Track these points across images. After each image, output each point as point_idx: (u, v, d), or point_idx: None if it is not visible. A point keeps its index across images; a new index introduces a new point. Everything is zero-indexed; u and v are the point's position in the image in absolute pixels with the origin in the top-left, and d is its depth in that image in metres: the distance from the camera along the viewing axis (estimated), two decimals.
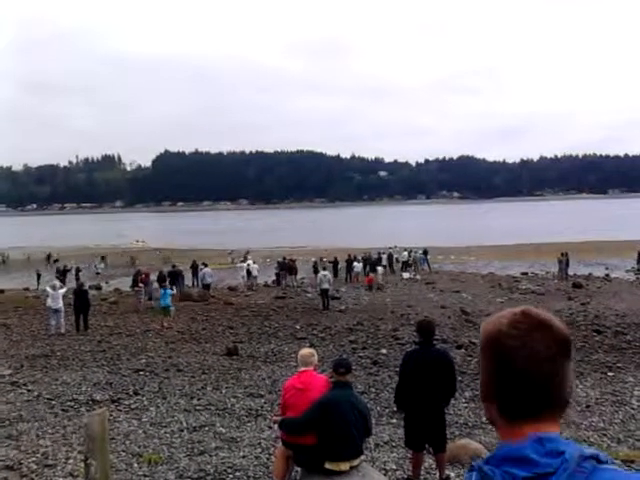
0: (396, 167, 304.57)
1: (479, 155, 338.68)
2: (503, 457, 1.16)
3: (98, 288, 31.31)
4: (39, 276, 34.53)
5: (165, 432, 8.67)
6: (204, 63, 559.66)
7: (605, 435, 8.14)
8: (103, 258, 46.62)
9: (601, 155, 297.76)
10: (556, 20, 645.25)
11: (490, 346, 1.24)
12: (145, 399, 10.56)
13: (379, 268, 30.81)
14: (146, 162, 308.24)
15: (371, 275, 30.10)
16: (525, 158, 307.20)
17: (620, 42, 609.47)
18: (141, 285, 23.32)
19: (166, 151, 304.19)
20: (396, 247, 43.77)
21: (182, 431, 8.74)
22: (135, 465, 7.28)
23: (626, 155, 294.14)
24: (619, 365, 12.79)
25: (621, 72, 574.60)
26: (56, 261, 44.22)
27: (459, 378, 8.92)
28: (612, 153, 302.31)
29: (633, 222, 73.29)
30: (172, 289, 21.40)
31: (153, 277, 27.38)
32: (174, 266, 28.54)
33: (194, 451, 7.86)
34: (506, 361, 1.19)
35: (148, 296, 23.51)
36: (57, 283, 19.91)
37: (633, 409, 9.42)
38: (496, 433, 1.29)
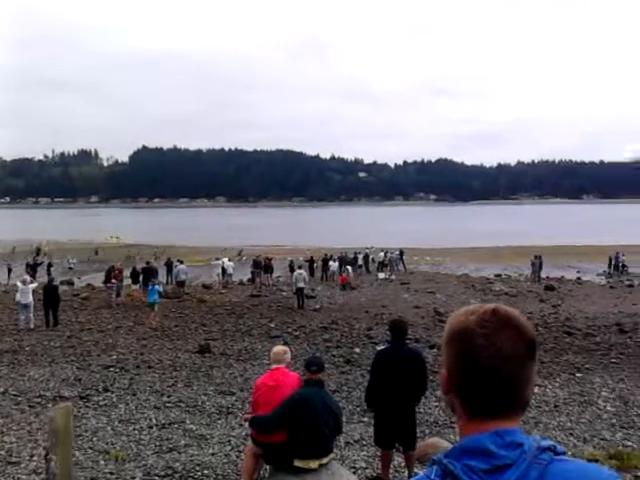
0: (375, 168, 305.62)
1: (457, 159, 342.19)
2: (463, 450, 1.16)
3: (70, 283, 30.83)
4: (10, 270, 33.89)
5: (134, 429, 8.56)
6: (185, 60, 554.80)
7: (572, 434, 8.24)
8: (97, 252, 46.71)
9: (577, 161, 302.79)
10: (535, 29, 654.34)
11: (457, 341, 1.23)
12: (114, 396, 10.43)
13: (348, 267, 30.84)
14: (124, 157, 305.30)
15: (344, 274, 30.12)
16: (502, 163, 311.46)
17: (597, 52, 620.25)
18: (114, 281, 23.00)
19: (144, 147, 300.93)
20: (372, 247, 43.97)
21: (151, 428, 8.65)
22: (101, 462, 7.17)
23: (601, 162, 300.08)
24: (587, 366, 12.99)
25: (598, 81, 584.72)
26: (37, 255, 43.42)
27: (430, 377, 8.94)
28: (587, 160, 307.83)
29: (606, 227, 74.59)
30: (159, 285, 21.15)
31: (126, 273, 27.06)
32: (148, 262, 28.20)
33: (163, 448, 7.78)
34: (472, 358, 1.19)
35: (116, 293, 23.19)
36: (27, 278, 19.55)
37: (599, 409, 9.56)
38: (457, 426, 1.29)
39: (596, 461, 6.90)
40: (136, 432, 8.42)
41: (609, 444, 7.80)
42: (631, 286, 29.74)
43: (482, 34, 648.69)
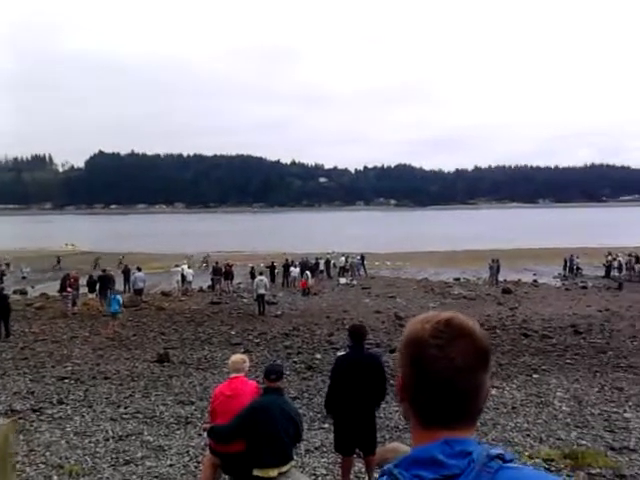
0: (336, 173, 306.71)
1: (416, 164, 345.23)
2: (412, 460, 1.16)
3: (23, 293, 29.91)
4: None
5: (89, 442, 8.35)
6: (144, 65, 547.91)
7: (529, 435, 8.38)
8: (59, 261, 44.37)
9: (532, 166, 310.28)
10: (492, 35, 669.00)
11: (411, 351, 1.23)
12: (69, 408, 10.16)
13: (307, 273, 30.80)
14: (79, 163, 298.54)
15: (303, 279, 30.05)
16: (460, 168, 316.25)
17: (550, 58, 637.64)
18: (69, 290, 22.44)
19: (100, 152, 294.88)
20: (334, 252, 43.97)
21: (107, 440, 8.45)
22: (55, 477, 6.97)
23: (556, 167, 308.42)
24: (544, 367, 13.25)
25: (551, 87, 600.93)
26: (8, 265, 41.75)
27: (391, 382, 9.00)
28: (542, 164, 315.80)
29: (560, 231, 76.53)
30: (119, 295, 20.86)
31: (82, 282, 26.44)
32: (104, 270, 27.58)
33: (119, 461, 7.60)
34: (426, 369, 1.19)
35: (72, 302, 22.62)
36: None
37: (555, 410, 9.75)
38: (411, 435, 1.28)
39: (552, 460, 7.05)
40: (92, 445, 8.21)
41: (564, 443, 7.96)
42: (585, 288, 30.55)
43: (441, 41, 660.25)
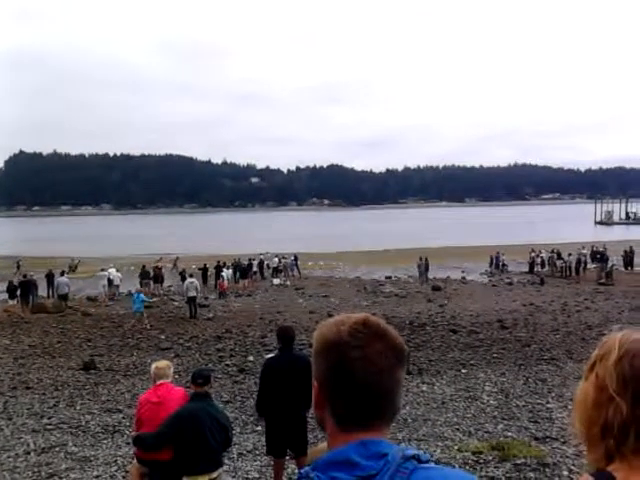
0: (268, 174, 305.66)
1: (347, 164, 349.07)
2: (329, 462, 1.16)
3: None
4: None
5: (8, 456, 7.94)
6: (63, 59, 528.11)
7: (458, 429, 8.57)
8: (19, 266, 39.96)
9: (458, 166, 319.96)
10: (420, 39, 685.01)
11: (329, 353, 1.21)
12: None
13: (223, 274, 30.42)
14: None
15: (220, 281, 29.53)
16: (390, 168, 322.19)
17: (474, 61, 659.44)
18: None
19: (21, 152, 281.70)
20: (267, 253, 43.73)
21: (28, 454, 8.07)
22: None
23: (481, 166, 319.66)
24: (472, 362, 13.61)
25: (476, 89, 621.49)
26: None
27: None
28: (468, 164, 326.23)
29: (487, 229, 79.14)
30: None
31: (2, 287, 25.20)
32: (25, 275, 26.35)
33: (41, 474, 7.28)
34: (346, 371, 1.18)
35: None
36: None
37: (483, 403, 10.03)
38: (326, 439, 1.26)
39: (480, 453, 7.23)
40: (10, 460, 7.81)
41: (492, 436, 8.19)
42: (511, 284, 31.65)
43: (373, 43, 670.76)
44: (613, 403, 1.17)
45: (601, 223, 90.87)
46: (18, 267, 38.51)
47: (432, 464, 1.16)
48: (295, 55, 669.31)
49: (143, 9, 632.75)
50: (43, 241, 73.30)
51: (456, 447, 7.67)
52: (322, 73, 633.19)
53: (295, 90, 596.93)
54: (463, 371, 12.74)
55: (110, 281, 29.03)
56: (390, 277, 35.73)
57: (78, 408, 10.44)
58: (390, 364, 1.19)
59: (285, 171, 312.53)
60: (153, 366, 5.67)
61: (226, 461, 6.47)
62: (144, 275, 30.51)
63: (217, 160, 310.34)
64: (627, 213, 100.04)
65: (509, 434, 8.27)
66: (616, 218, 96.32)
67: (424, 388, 11.06)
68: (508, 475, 6.60)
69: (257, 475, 6.99)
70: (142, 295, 21.24)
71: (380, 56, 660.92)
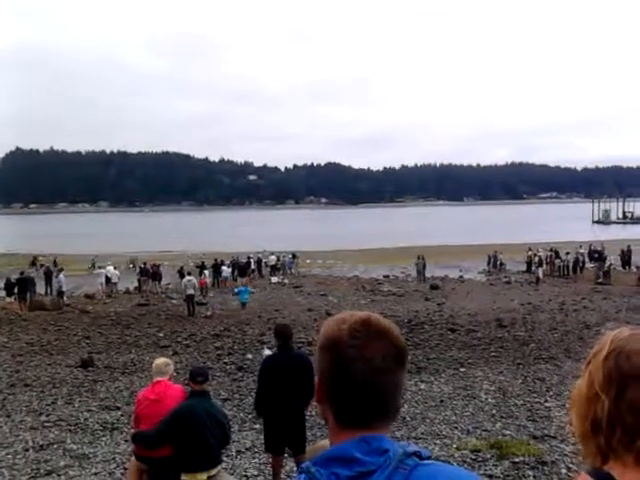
0: (265, 172, 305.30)
1: (345, 162, 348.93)
2: (330, 457, 1.17)
3: None
4: None
5: (7, 454, 7.93)
6: (60, 56, 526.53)
7: (456, 428, 8.58)
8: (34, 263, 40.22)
9: (456, 165, 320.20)
10: (418, 37, 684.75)
11: (328, 351, 1.23)
12: None
13: (205, 272, 30.45)
14: None
15: (202, 278, 29.46)
16: (388, 166, 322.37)
17: (472, 59, 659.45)
18: None
19: (17, 149, 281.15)
20: (265, 251, 43.76)
21: (27, 451, 8.06)
22: None
23: (478, 165, 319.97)
24: (470, 361, 13.62)
25: (474, 87, 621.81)
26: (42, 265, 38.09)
27: None
28: (465, 163, 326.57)
29: (484, 227, 79.20)
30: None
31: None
32: (23, 272, 26.27)
33: (40, 472, 7.27)
34: (343, 370, 1.19)
35: None
36: None
37: (481, 402, 10.04)
38: (328, 435, 1.28)
39: (478, 451, 7.25)
40: (9, 457, 7.80)
41: (490, 434, 8.20)
42: (508, 283, 31.70)
43: (371, 40, 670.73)
44: (599, 400, 1.18)
45: (598, 222, 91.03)
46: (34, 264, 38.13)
47: (433, 461, 1.17)
48: (293, 52, 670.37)
49: (139, 7, 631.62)
50: (40, 238, 73.11)
51: (454, 445, 7.68)
52: (320, 71, 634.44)
53: (293, 87, 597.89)
54: (461, 370, 12.75)
55: (108, 278, 29.01)
56: (388, 276, 35.76)
57: (76, 405, 10.43)
58: (389, 364, 1.20)
59: (282, 169, 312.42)
60: (154, 363, 5.69)
61: (224, 458, 6.48)
62: (143, 272, 30.54)
63: (214, 158, 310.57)
64: (624, 212, 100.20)
65: (507, 432, 8.29)
66: (613, 217, 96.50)
67: (422, 386, 11.07)
68: (506, 473, 6.62)
69: (255, 472, 7.00)
70: (249, 288, 23.40)
71: (378, 53, 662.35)
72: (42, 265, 38.06)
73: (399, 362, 1.22)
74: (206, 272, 30.10)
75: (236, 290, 24.47)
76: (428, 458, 1.16)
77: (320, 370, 1.26)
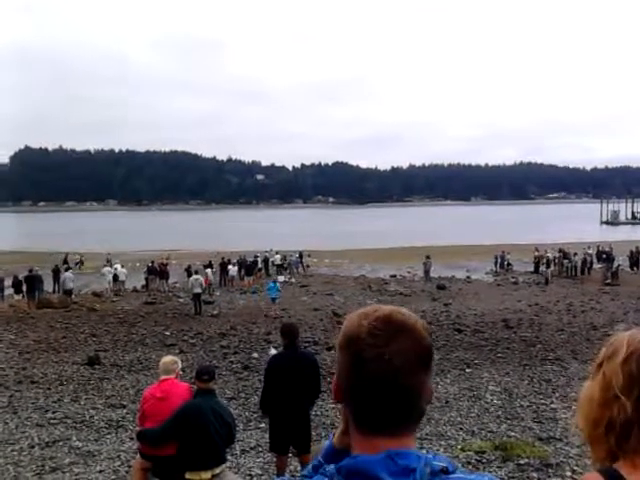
0: (273, 171, 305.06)
1: (352, 162, 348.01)
2: (353, 471, 1.07)
3: None
4: None
5: (12, 450, 7.97)
6: (68, 54, 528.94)
7: (461, 429, 8.56)
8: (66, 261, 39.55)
9: (464, 165, 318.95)
10: (425, 35, 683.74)
11: (348, 349, 1.13)
12: None
13: (207, 271, 30.39)
14: (4, 158, 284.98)
15: (206, 277, 29.38)
16: (395, 166, 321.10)
17: (480, 59, 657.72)
18: None
19: (26, 147, 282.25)
20: (272, 250, 43.78)
21: (33, 448, 8.10)
22: None
23: (486, 165, 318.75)
24: (476, 362, 13.58)
25: (482, 87, 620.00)
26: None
27: (328, 379, 9.01)
28: (473, 163, 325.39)
29: (492, 227, 78.89)
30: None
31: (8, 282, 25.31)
32: (31, 270, 26.42)
33: (45, 468, 7.30)
34: (362, 369, 1.10)
35: None
36: None
37: (487, 403, 10.01)
38: (350, 439, 1.17)
39: (483, 453, 7.23)
40: (15, 453, 7.84)
41: (495, 435, 8.18)
42: (516, 283, 31.59)
43: (378, 38, 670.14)
44: (618, 402, 1.17)
45: (607, 223, 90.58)
46: (65, 261, 37.83)
47: (459, 473, 1.10)
48: (299, 52, 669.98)
49: (147, 5, 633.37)
50: (49, 236, 73.50)
51: (459, 446, 7.66)
52: (327, 70, 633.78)
53: (300, 87, 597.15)
54: (467, 370, 12.72)
55: (115, 277, 29.13)
56: (395, 275, 35.69)
57: (82, 403, 10.48)
58: (411, 363, 1.10)
59: (290, 168, 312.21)
60: (161, 361, 5.71)
61: (229, 457, 6.49)
62: (150, 271, 30.63)
63: (222, 157, 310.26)
64: (633, 213, 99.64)
65: (513, 434, 8.26)
66: (622, 218, 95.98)
67: None
68: (511, 475, 6.59)
69: (260, 472, 7.01)
70: (278, 284, 23.31)
71: (387, 53, 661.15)
72: (77, 262, 38.57)
73: (422, 362, 1.12)
74: (208, 271, 30.05)
75: (267, 287, 24.64)
76: (454, 471, 1.09)
77: (338, 367, 1.17)
